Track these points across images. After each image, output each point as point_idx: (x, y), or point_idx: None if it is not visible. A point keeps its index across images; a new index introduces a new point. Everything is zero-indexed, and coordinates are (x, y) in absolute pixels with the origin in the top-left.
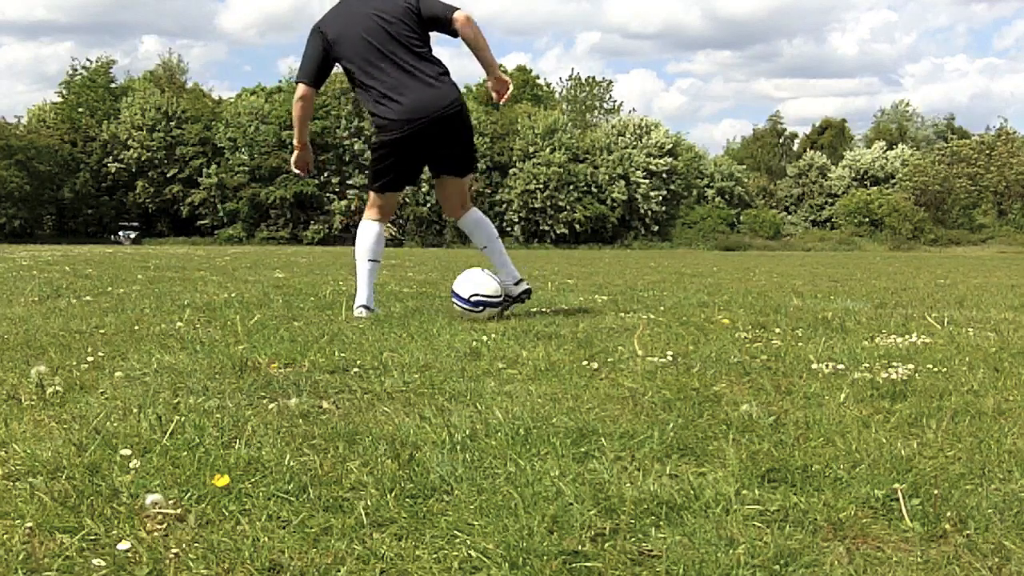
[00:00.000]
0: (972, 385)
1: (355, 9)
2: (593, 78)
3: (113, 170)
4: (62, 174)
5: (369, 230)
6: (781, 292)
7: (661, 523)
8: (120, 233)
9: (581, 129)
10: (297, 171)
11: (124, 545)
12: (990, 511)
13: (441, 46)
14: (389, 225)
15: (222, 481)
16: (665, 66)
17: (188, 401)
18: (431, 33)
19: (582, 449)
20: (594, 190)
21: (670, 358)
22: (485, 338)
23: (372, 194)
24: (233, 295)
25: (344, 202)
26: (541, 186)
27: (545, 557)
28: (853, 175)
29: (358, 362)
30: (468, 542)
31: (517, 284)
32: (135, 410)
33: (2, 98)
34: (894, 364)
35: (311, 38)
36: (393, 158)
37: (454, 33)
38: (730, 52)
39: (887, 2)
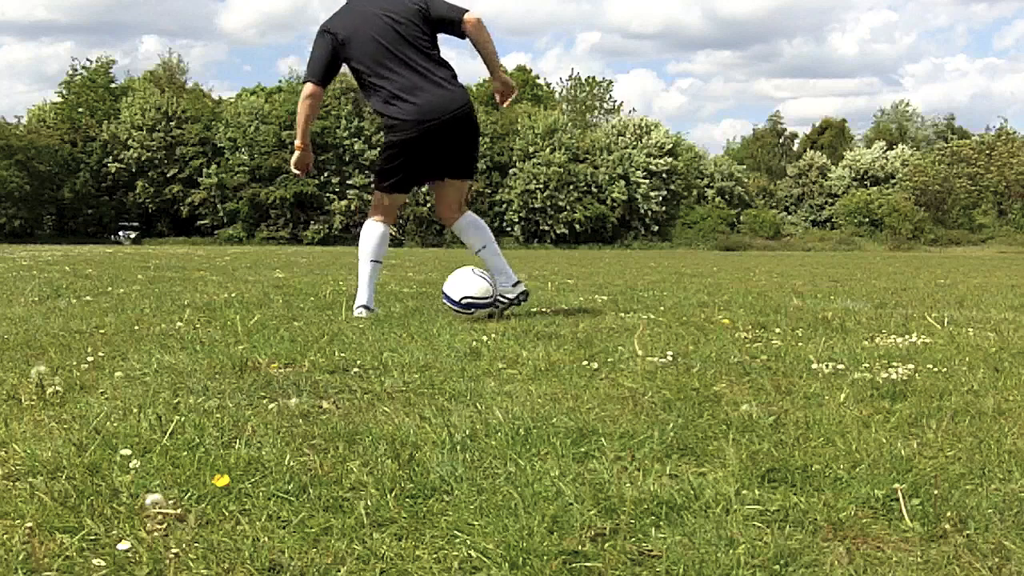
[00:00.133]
0: (972, 385)
1: (364, 9)
2: (593, 78)
3: (113, 170)
4: (62, 174)
5: (373, 231)
6: (781, 292)
7: (661, 523)
8: (120, 233)
9: (581, 129)
10: (297, 171)
11: (124, 545)
12: (990, 511)
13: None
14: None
15: (222, 481)
16: (665, 66)
17: (188, 401)
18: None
19: (582, 449)
20: (594, 190)
21: (670, 358)
22: (485, 338)
23: (378, 194)
24: (233, 295)
25: (344, 202)
26: (541, 186)
27: (545, 557)
28: (853, 175)
29: (358, 362)
30: (468, 542)
31: (515, 286)
32: (135, 410)
33: (2, 98)
34: (894, 364)
35: (319, 39)
36: (403, 158)
37: (462, 35)
38: (730, 52)
39: (887, 2)
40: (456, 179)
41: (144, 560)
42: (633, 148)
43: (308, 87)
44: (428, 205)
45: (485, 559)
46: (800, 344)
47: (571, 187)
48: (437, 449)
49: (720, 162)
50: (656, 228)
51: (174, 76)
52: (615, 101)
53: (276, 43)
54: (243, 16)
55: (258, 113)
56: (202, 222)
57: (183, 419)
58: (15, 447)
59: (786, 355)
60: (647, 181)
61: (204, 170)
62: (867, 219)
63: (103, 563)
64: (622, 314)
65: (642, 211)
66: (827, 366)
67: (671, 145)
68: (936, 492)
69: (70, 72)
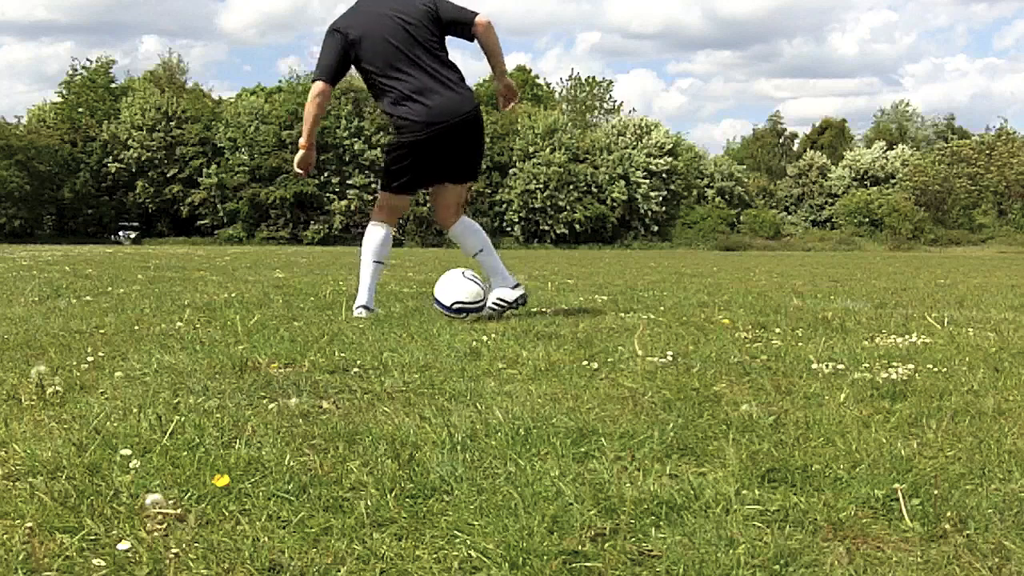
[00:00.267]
0: (972, 385)
1: (374, 10)
2: (593, 78)
3: (113, 170)
4: (62, 174)
5: (377, 232)
6: (781, 292)
7: (661, 523)
8: (120, 233)
9: (581, 129)
10: (299, 171)
11: (124, 545)
12: (990, 511)
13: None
14: None
15: (222, 481)
16: (665, 66)
17: (188, 401)
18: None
19: (582, 449)
20: (594, 190)
21: (670, 358)
22: (485, 338)
23: (383, 195)
24: (233, 295)
25: (344, 202)
26: (541, 186)
27: (545, 557)
28: (853, 175)
29: (358, 362)
30: (468, 542)
31: (514, 288)
32: (135, 410)
33: (2, 98)
34: (894, 364)
35: (329, 38)
36: (411, 159)
37: (471, 37)
38: (730, 52)
39: (887, 2)
40: (458, 183)
41: (144, 560)
42: (633, 148)
43: (318, 85)
44: (428, 205)
45: (485, 559)
46: (800, 344)
47: (571, 187)
48: (437, 449)
49: (720, 162)
50: (656, 228)
51: (174, 76)
52: (615, 101)
53: (276, 43)
54: (243, 16)
55: (258, 113)
56: (202, 222)
57: (183, 419)
58: (15, 447)
59: (786, 355)
60: (647, 181)
61: (204, 170)
62: (867, 219)
63: (103, 563)
64: (622, 314)
65: (642, 211)
66: (827, 366)
67: (671, 145)
68: (936, 492)
69: (70, 72)
